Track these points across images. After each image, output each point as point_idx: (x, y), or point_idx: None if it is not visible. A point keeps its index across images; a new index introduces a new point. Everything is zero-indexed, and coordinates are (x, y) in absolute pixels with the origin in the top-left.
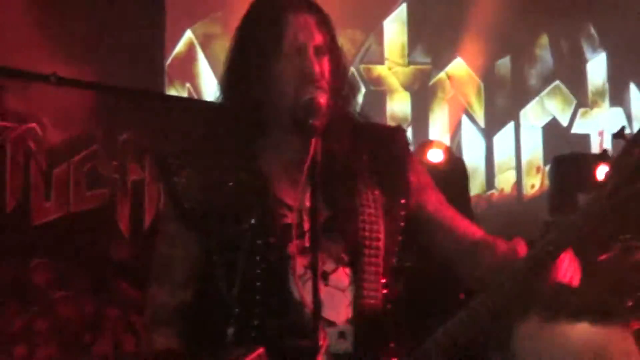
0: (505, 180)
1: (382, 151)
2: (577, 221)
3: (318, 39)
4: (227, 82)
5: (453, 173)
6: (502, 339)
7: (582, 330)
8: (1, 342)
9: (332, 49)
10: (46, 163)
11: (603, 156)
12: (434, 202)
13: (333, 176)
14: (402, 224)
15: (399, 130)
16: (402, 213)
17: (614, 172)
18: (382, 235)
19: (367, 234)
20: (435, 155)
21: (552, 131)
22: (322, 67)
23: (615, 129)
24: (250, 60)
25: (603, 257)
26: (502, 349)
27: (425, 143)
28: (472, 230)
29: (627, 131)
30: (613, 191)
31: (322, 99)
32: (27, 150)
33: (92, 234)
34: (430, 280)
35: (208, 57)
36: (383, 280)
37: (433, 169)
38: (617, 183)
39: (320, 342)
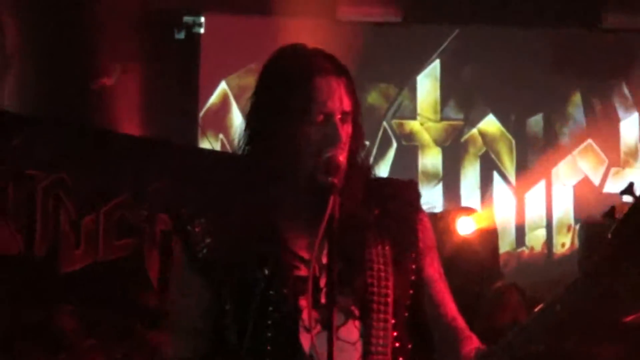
0: (535, 238)
1: (393, 205)
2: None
3: (346, 105)
4: (248, 135)
5: (483, 232)
6: None
7: None
8: None
9: (355, 112)
10: (75, 212)
11: (611, 214)
12: (433, 269)
13: (344, 231)
14: (413, 277)
15: (410, 184)
16: (413, 266)
17: (619, 231)
18: (391, 291)
19: (375, 289)
20: (466, 225)
21: (584, 190)
22: (346, 131)
23: None
24: (275, 118)
25: (629, 318)
26: None
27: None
28: (454, 315)
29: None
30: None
31: (342, 157)
32: (56, 198)
33: (121, 282)
34: None
35: (242, 108)
36: (394, 334)
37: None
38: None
39: None
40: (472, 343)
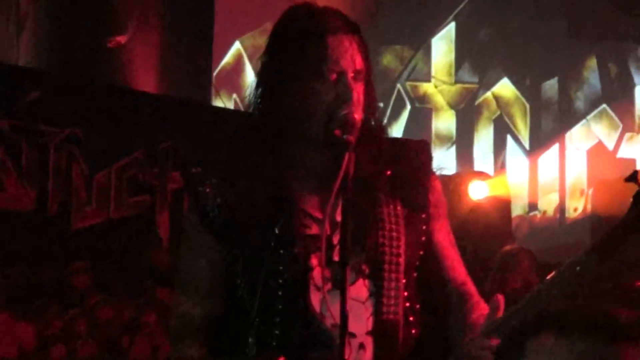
0: (548, 203)
1: (405, 166)
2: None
3: (358, 63)
4: (259, 93)
5: (496, 197)
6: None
7: (594, 346)
8: (41, 342)
9: (368, 71)
10: (88, 168)
11: (634, 178)
12: (442, 232)
13: (357, 189)
14: (424, 237)
15: (422, 145)
16: (423, 227)
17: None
18: (402, 250)
19: (387, 249)
20: (479, 190)
21: (597, 155)
22: (358, 89)
23: None
24: (286, 75)
25: None
26: None
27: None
28: (463, 279)
29: None
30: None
31: (357, 115)
32: (69, 155)
33: (132, 240)
34: None
35: (255, 68)
36: (405, 294)
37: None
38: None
39: (346, 356)
40: (481, 309)
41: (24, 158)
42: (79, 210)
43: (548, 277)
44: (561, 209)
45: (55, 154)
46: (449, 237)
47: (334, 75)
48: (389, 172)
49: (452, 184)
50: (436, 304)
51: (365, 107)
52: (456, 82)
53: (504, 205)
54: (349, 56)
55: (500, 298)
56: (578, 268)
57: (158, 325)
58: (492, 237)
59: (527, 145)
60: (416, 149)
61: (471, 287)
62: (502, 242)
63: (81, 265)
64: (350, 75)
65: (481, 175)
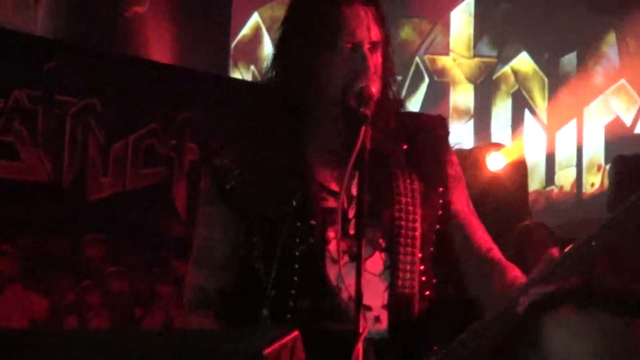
0: (565, 178)
1: (422, 140)
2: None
3: (374, 34)
4: (276, 65)
5: (513, 170)
6: (531, 332)
7: (613, 320)
8: (53, 313)
9: (385, 43)
10: (104, 139)
11: None
12: (462, 202)
13: (373, 163)
14: (440, 212)
15: (439, 120)
16: (440, 201)
17: None
18: (418, 224)
19: (403, 223)
20: (497, 161)
21: (615, 130)
22: (375, 61)
23: None
24: (304, 47)
25: None
26: (531, 342)
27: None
28: (489, 247)
29: None
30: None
31: (375, 88)
32: (86, 125)
33: (147, 211)
34: None
35: (274, 40)
36: (421, 268)
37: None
38: None
39: (361, 329)
40: (514, 270)
41: (41, 128)
42: (94, 181)
43: (565, 250)
44: (578, 184)
45: (71, 125)
46: (470, 207)
47: (350, 46)
48: (405, 147)
49: (470, 157)
50: (463, 273)
51: (382, 79)
52: (475, 55)
53: (521, 175)
54: (364, 27)
55: (554, 251)
56: (594, 243)
57: (172, 297)
58: (509, 211)
59: (544, 120)
60: (433, 124)
61: (497, 253)
62: (519, 216)
63: (95, 237)
64: (367, 46)
65: (498, 146)
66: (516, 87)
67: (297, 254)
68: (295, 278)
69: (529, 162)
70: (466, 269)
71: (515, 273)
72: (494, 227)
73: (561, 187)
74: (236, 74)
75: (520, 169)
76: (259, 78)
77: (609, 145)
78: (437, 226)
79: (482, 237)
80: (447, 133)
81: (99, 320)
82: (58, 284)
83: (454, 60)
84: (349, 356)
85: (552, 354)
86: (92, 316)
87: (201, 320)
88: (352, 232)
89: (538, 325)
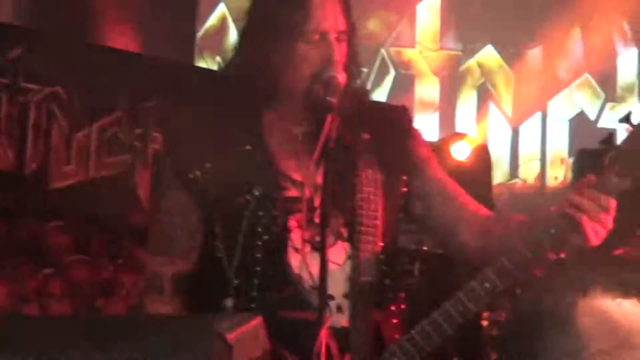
0: (529, 171)
1: (385, 130)
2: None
3: (341, 24)
4: (242, 53)
5: (477, 162)
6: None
7: None
8: (14, 301)
9: (351, 33)
10: (68, 127)
11: (609, 141)
12: (439, 175)
13: (337, 152)
14: (403, 201)
15: (402, 110)
16: (403, 190)
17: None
18: (379, 214)
19: (364, 212)
20: (461, 150)
21: (579, 124)
22: (341, 51)
23: None
24: (270, 36)
25: (619, 251)
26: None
27: (453, 136)
28: (477, 205)
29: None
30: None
31: (341, 78)
32: (49, 113)
33: (111, 199)
34: (447, 262)
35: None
36: (382, 257)
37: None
38: (620, 168)
39: (325, 318)
40: (519, 216)
41: (4, 115)
42: (57, 170)
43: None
44: (542, 177)
45: (35, 112)
46: (445, 176)
47: (317, 36)
48: (368, 137)
49: (438, 150)
50: (460, 233)
51: (348, 69)
52: (440, 48)
53: (485, 167)
54: (332, 17)
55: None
56: (553, 231)
57: (135, 285)
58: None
59: (509, 113)
60: (396, 114)
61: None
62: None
63: (58, 225)
64: (334, 35)
65: (462, 135)
66: (481, 80)
67: (259, 243)
68: (258, 268)
69: (493, 156)
70: (462, 228)
71: (520, 217)
72: None
73: (525, 180)
74: (202, 65)
75: (484, 161)
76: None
77: (573, 139)
78: (399, 215)
79: (468, 198)
80: (410, 122)
81: (60, 308)
82: (20, 271)
83: (420, 53)
84: (311, 344)
85: (578, 336)
86: (54, 304)
87: (157, 306)
88: (317, 220)
89: (566, 310)
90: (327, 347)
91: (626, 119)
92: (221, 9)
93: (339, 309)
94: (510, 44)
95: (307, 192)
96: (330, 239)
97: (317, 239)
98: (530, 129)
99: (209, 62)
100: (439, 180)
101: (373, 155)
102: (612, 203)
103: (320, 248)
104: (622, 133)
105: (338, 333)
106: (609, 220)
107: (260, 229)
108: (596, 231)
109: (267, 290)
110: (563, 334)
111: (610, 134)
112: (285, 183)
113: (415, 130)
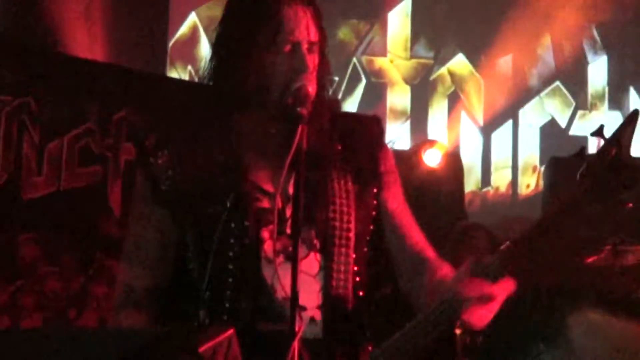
0: (500, 179)
1: (357, 140)
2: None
3: (313, 35)
4: (214, 65)
5: (449, 170)
6: (549, 333)
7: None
8: None
9: (322, 43)
10: (39, 138)
11: (581, 155)
12: (397, 200)
13: (309, 163)
14: (374, 212)
15: (374, 119)
16: (375, 202)
17: (588, 171)
18: (352, 225)
19: (337, 224)
20: (433, 157)
21: (550, 132)
22: (313, 61)
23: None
24: (241, 47)
25: (590, 259)
26: (550, 342)
27: (424, 143)
28: (423, 246)
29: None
30: (588, 191)
31: (311, 88)
32: (20, 124)
33: (82, 211)
34: None
35: (211, 40)
36: (355, 268)
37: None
38: (592, 183)
39: (297, 328)
40: (446, 268)
41: None
42: (29, 181)
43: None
44: (514, 185)
45: (6, 123)
46: (404, 205)
47: (289, 47)
48: (340, 147)
49: (408, 158)
50: (398, 272)
51: (319, 79)
52: (412, 57)
53: (457, 175)
54: (303, 27)
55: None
56: (442, 310)
57: (107, 297)
58: (446, 209)
59: (480, 121)
60: (368, 124)
61: (431, 253)
62: (455, 213)
63: (30, 237)
64: (305, 46)
65: (433, 143)
66: (452, 88)
67: (231, 254)
68: (230, 279)
69: (465, 164)
70: (400, 268)
71: (446, 270)
72: (430, 225)
73: (497, 188)
74: (173, 74)
75: (456, 166)
76: (196, 78)
77: (544, 147)
78: (372, 227)
79: (416, 236)
80: (381, 132)
81: (32, 320)
82: None
83: (391, 61)
84: (284, 356)
85: (571, 349)
86: (25, 316)
87: (131, 319)
88: (289, 231)
89: (558, 323)
90: (300, 359)
91: (598, 132)
92: (192, 18)
93: (312, 320)
94: (481, 52)
95: (279, 203)
96: (303, 250)
97: (290, 249)
98: (501, 136)
99: (180, 72)
100: (397, 213)
101: (345, 166)
102: (497, 289)
103: (292, 259)
104: (593, 143)
105: (311, 344)
106: (494, 306)
107: (232, 240)
108: (481, 316)
109: (240, 301)
110: (535, 342)
111: (582, 148)
112: (257, 194)
113: (385, 143)
